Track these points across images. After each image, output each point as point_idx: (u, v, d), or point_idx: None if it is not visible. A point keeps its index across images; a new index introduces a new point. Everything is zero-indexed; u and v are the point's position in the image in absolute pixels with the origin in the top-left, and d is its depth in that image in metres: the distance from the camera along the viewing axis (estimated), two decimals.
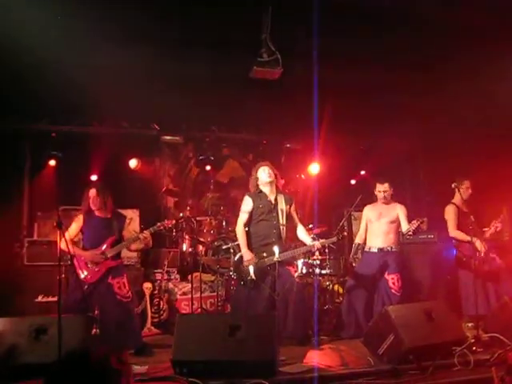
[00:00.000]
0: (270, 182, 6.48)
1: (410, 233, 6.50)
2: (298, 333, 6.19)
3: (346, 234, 6.64)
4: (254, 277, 5.78)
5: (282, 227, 6.45)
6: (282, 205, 6.51)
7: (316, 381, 4.62)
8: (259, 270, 6.07)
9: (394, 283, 6.66)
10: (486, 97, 7.73)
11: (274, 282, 6.00)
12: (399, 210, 6.93)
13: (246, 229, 6.51)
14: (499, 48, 6.72)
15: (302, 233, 6.65)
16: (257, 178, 6.52)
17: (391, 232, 6.90)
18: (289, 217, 6.54)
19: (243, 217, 6.43)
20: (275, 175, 6.55)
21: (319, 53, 6.95)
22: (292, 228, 6.74)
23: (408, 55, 7.12)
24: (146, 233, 6.06)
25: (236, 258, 6.59)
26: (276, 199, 6.51)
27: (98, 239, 5.91)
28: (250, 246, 6.35)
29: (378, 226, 6.94)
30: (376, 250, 6.86)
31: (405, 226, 6.74)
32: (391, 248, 6.85)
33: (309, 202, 10.95)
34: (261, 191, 6.50)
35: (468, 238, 6.69)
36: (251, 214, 6.44)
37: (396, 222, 6.90)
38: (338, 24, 6.31)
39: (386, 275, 6.74)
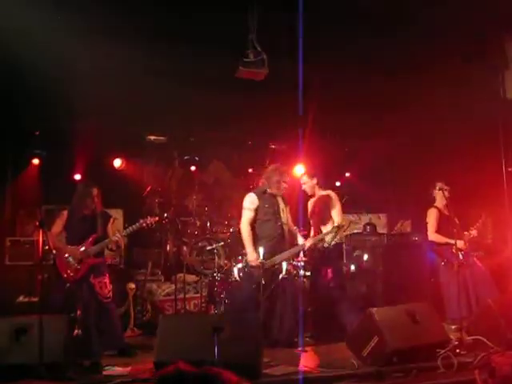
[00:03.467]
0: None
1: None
2: (293, 335, 6.14)
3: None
4: (263, 281, 5.77)
5: (285, 227, 6.41)
6: (282, 205, 6.48)
7: (300, 383, 4.60)
8: (265, 271, 6.00)
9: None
10: (469, 103, 7.79)
11: (276, 283, 6.05)
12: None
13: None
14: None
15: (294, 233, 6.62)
16: (278, 181, 6.41)
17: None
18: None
19: (249, 214, 6.30)
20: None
21: (304, 53, 6.96)
22: None
23: (394, 58, 7.14)
24: (118, 236, 6.00)
25: (244, 261, 6.42)
26: (278, 199, 6.47)
27: (80, 237, 5.88)
28: (254, 246, 6.22)
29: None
30: None
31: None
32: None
33: (293, 204, 10.95)
34: (266, 191, 6.42)
35: (446, 240, 6.75)
36: (256, 212, 6.32)
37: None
38: (324, 24, 6.32)
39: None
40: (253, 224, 6.34)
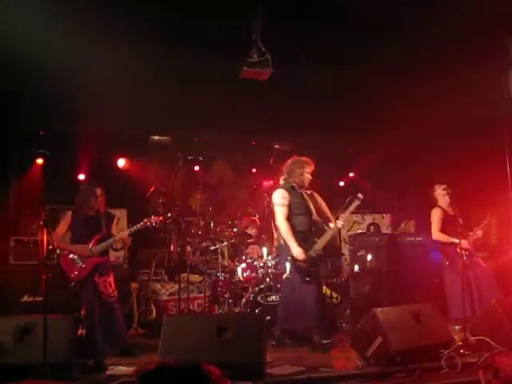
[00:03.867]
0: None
1: None
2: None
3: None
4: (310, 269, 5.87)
5: (314, 218, 6.31)
6: (307, 196, 6.43)
7: (304, 383, 4.61)
8: (312, 261, 6.04)
9: None
10: (474, 104, 7.78)
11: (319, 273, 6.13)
12: None
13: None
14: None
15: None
16: (302, 173, 6.31)
17: None
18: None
19: (283, 210, 6.14)
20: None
21: (309, 54, 6.97)
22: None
23: (398, 59, 7.13)
24: (122, 233, 6.00)
25: (290, 258, 6.25)
26: (303, 191, 6.39)
27: (85, 236, 5.87)
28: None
29: None
30: None
31: None
32: None
33: None
34: (293, 186, 6.33)
35: (451, 240, 6.75)
36: (289, 207, 6.20)
37: None
38: (328, 25, 6.32)
39: None
40: (288, 219, 6.21)
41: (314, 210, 6.35)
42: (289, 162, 6.46)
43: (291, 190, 6.26)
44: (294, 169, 6.33)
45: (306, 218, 6.23)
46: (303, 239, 6.12)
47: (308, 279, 6.01)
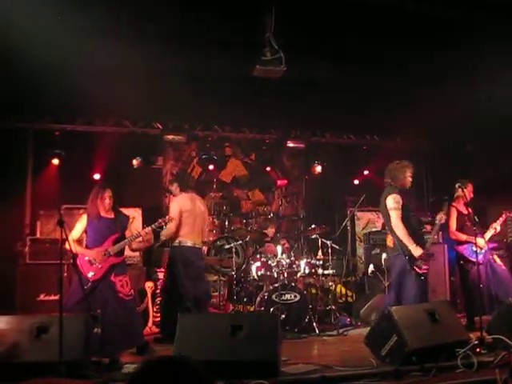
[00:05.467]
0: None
1: None
2: None
3: None
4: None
5: (419, 219, 6.54)
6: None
7: (318, 382, 4.59)
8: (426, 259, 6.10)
9: None
10: (490, 99, 7.72)
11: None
12: None
13: None
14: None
15: None
16: (404, 177, 6.38)
17: None
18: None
19: (398, 213, 6.20)
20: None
21: (323, 52, 6.96)
22: None
23: (413, 57, 7.11)
24: (148, 229, 6.03)
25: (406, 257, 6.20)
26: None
27: (101, 239, 5.87)
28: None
29: None
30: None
31: None
32: None
33: (312, 202, 10.96)
34: (400, 189, 6.37)
35: (466, 238, 6.73)
36: (402, 210, 6.30)
37: None
38: (341, 23, 6.31)
39: None
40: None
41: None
42: (390, 166, 6.49)
43: (400, 192, 6.33)
44: (396, 174, 6.39)
45: (415, 218, 6.35)
46: (416, 237, 6.18)
47: (423, 278, 6.03)
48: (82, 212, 6.11)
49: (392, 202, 6.19)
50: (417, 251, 5.97)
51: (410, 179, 6.37)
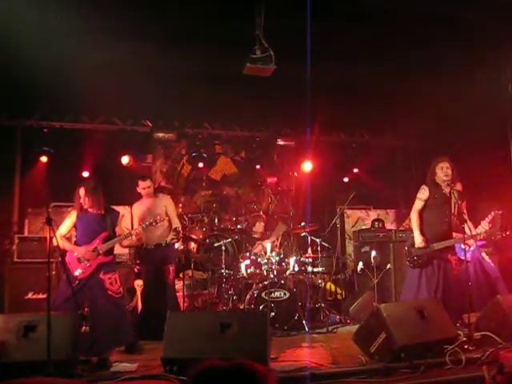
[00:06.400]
0: (448, 180, 6.53)
1: None
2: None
3: None
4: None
5: (453, 218, 6.55)
6: (454, 198, 6.51)
7: (307, 379, 4.59)
8: (428, 255, 6.35)
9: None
10: (477, 99, 7.76)
11: (440, 267, 6.34)
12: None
13: None
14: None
15: (467, 227, 6.66)
16: (434, 173, 6.60)
17: None
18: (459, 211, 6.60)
19: (418, 204, 6.62)
20: (452, 170, 6.57)
21: (312, 50, 6.95)
22: None
23: (403, 55, 7.12)
24: (139, 229, 6.05)
25: (408, 243, 6.68)
26: (451, 192, 6.53)
27: (90, 235, 5.85)
28: (421, 231, 6.53)
29: None
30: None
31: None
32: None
33: (302, 200, 10.96)
34: (437, 183, 6.60)
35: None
36: (426, 202, 6.59)
37: None
38: (331, 22, 6.31)
39: None
40: (421, 212, 6.61)
41: (453, 208, 6.56)
42: (432, 164, 6.69)
43: (433, 186, 6.60)
44: (429, 168, 6.69)
45: (441, 213, 6.52)
46: (432, 231, 6.47)
47: (407, 263, 6.51)
48: (70, 209, 6.06)
49: (418, 192, 6.64)
50: (417, 239, 6.39)
51: (441, 174, 6.54)
